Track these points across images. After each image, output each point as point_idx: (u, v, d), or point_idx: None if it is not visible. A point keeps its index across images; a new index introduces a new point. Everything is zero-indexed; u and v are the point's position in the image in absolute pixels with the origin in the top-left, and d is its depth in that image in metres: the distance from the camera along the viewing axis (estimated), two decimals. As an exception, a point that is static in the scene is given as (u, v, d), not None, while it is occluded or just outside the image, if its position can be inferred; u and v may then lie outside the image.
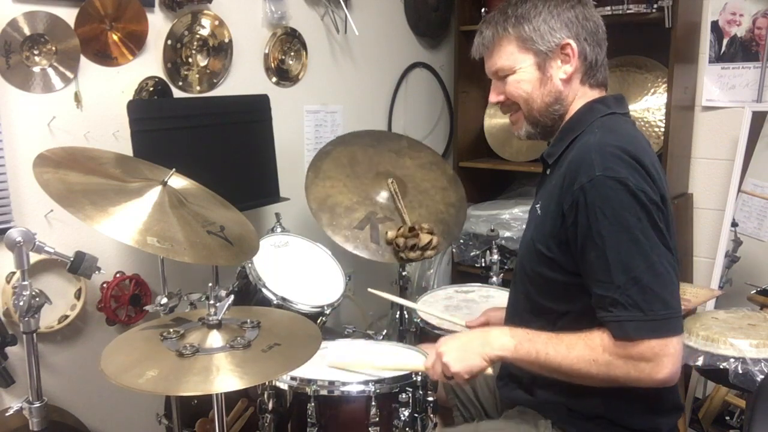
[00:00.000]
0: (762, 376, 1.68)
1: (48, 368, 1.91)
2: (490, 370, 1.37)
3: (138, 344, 1.31)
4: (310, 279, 2.07)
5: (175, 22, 2.07)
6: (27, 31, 1.76)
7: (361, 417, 1.43)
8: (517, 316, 1.46)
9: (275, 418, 1.48)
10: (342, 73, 2.69)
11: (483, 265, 2.39)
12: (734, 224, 2.52)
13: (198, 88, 2.18)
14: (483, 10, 2.85)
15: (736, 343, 1.75)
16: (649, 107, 2.69)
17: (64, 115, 1.88)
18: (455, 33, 2.97)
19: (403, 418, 1.44)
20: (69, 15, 1.83)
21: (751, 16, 2.53)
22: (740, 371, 1.72)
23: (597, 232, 1.21)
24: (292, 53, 2.46)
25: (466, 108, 3.03)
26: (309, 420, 1.42)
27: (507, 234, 2.74)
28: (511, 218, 2.78)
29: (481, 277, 2.36)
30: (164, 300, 1.79)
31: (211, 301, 1.32)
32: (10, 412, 1.79)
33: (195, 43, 2.13)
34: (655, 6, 2.39)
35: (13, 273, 1.77)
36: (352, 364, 1.56)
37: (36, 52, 1.79)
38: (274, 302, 1.87)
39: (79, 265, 1.56)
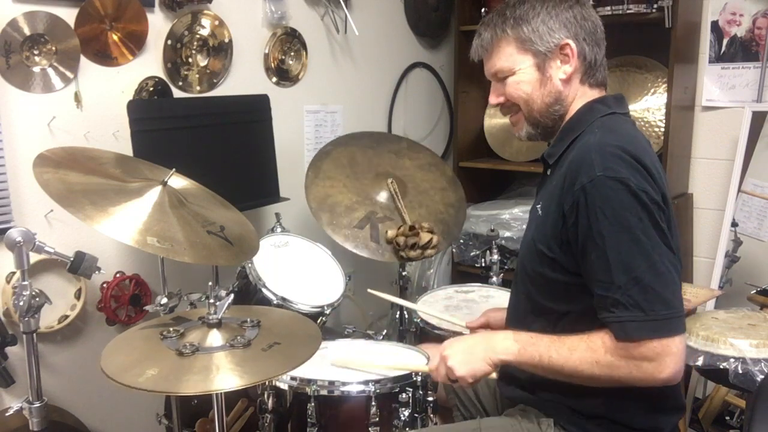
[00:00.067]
0: (762, 376, 1.68)
1: (48, 368, 1.91)
2: (494, 375, 1.37)
3: (138, 344, 1.31)
4: (310, 279, 2.07)
5: (175, 22, 2.07)
6: (27, 31, 1.76)
7: (361, 417, 1.43)
8: (518, 316, 1.46)
9: (275, 418, 1.48)
10: (342, 73, 2.69)
11: (483, 265, 2.39)
12: (734, 224, 2.52)
13: (198, 88, 2.18)
14: (483, 10, 2.85)
15: (736, 343, 1.75)
16: (649, 107, 2.69)
17: (64, 115, 1.88)
18: (455, 33, 2.97)
19: (403, 418, 1.44)
20: (69, 15, 1.83)
21: (751, 16, 2.53)
22: (740, 371, 1.72)
23: (598, 232, 1.21)
24: (292, 53, 2.46)
25: (466, 108, 3.03)
26: (309, 420, 1.42)
27: (507, 234, 2.74)
28: (511, 218, 2.78)
29: (481, 277, 2.36)
30: (164, 300, 1.79)
31: (211, 301, 1.32)
32: (10, 412, 1.79)
33: (195, 43, 2.13)
34: (655, 6, 2.39)
35: (13, 273, 1.77)
36: (354, 362, 1.56)
37: (36, 52, 1.79)
38: (274, 302, 1.87)
39: (79, 265, 1.56)
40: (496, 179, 3.15)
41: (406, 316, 2.14)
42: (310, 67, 2.53)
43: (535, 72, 1.38)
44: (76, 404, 1.98)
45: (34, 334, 1.48)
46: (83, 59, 1.89)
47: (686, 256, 2.68)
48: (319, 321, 1.92)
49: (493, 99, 1.46)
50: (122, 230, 1.38)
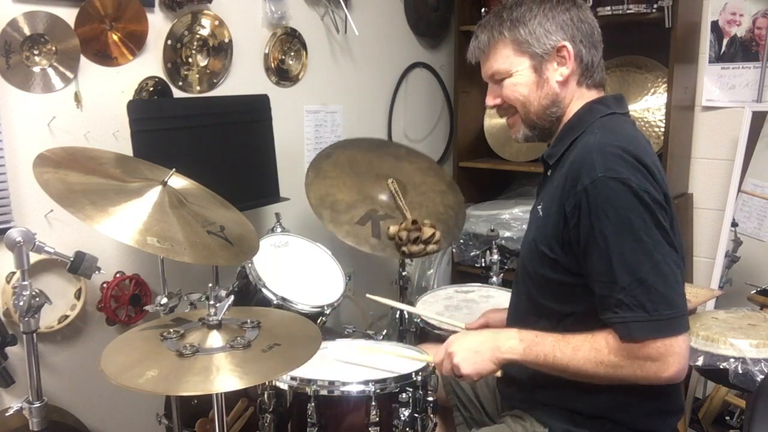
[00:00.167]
0: (762, 376, 1.68)
1: (48, 368, 1.91)
2: (498, 373, 1.38)
3: (138, 344, 1.31)
4: (310, 279, 2.07)
5: (175, 22, 2.07)
6: (27, 31, 1.76)
7: (361, 417, 1.43)
8: (519, 317, 1.46)
9: (275, 418, 1.48)
10: (342, 73, 2.69)
11: (483, 265, 2.39)
12: (734, 224, 2.52)
13: (198, 88, 2.18)
14: (483, 10, 2.85)
15: (736, 343, 1.75)
16: (649, 107, 2.69)
17: (64, 115, 1.88)
18: (455, 33, 2.97)
19: (403, 418, 1.44)
20: (69, 15, 1.83)
21: (751, 16, 2.53)
22: (740, 371, 1.72)
23: (600, 233, 1.21)
24: (292, 53, 2.46)
25: (466, 108, 3.04)
26: (309, 420, 1.42)
27: (507, 234, 2.74)
28: (511, 218, 2.78)
29: (481, 277, 2.36)
30: (164, 300, 1.79)
31: (211, 301, 1.32)
32: (10, 412, 1.79)
33: (195, 43, 2.13)
34: (655, 6, 2.39)
35: (13, 273, 1.77)
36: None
37: (36, 52, 1.79)
38: (274, 302, 1.87)
39: (79, 265, 1.56)
40: (496, 179, 3.15)
41: (406, 316, 2.14)
42: (310, 67, 2.53)
43: (532, 74, 1.38)
44: (76, 404, 1.98)
45: (34, 334, 1.48)
46: (83, 59, 1.89)
47: (686, 256, 2.65)
48: (319, 321, 1.92)
49: (489, 101, 1.46)
50: (122, 230, 1.38)
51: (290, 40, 2.44)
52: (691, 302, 2.08)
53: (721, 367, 1.74)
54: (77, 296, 1.93)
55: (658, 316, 1.18)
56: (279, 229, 2.16)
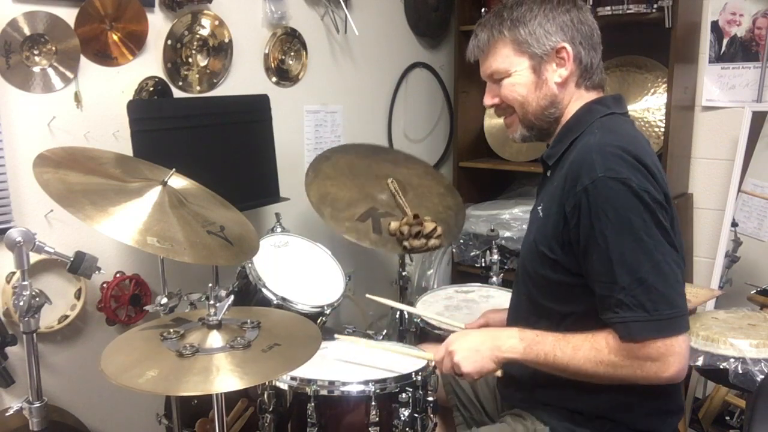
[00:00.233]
0: (762, 376, 1.68)
1: (48, 368, 1.91)
2: (499, 372, 1.38)
3: (138, 344, 1.31)
4: (310, 279, 2.07)
5: (175, 22, 2.07)
6: (27, 31, 1.76)
7: (361, 417, 1.43)
8: (519, 318, 1.46)
9: (275, 418, 1.48)
10: (342, 73, 2.69)
11: (483, 265, 2.39)
12: (734, 224, 2.52)
13: (198, 88, 2.18)
14: (483, 10, 2.85)
15: (736, 343, 1.75)
16: (649, 107, 2.69)
17: (64, 115, 1.88)
18: (455, 33, 2.97)
19: (403, 418, 1.44)
20: (69, 15, 1.83)
21: (751, 16, 2.53)
22: (740, 371, 1.72)
23: (600, 233, 1.21)
24: (292, 53, 2.46)
25: (466, 108, 3.04)
26: (309, 420, 1.42)
27: (507, 234, 2.74)
28: (511, 218, 2.79)
29: (481, 277, 2.36)
30: (164, 300, 1.79)
31: (211, 301, 1.32)
32: (10, 412, 1.79)
33: (195, 43, 2.13)
34: (655, 6, 2.39)
35: (13, 273, 1.77)
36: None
37: (36, 52, 1.79)
38: (274, 302, 1.87)
39: (79, 265, 1.56)
40: (496, 179, 3.15)
41: (406, 316, 2.14)
42: (310, 67, 2.53)
43: (530, 74, 1.38)
44: (76, 404, 1.98)
45: (34, 334, 1.48)
46: (83, 59, 1.89)
47: (686, 256, 2.66)
48: (319, 321, 1.92)
49: (487, 100, 1.46)
50: (122, 230, 1.38)
51: (290, 40, 2.44)
52: (691, 302, 2.08)
53: (721, 367, 1.74)
54: (77, 296, 1.93)
55: (659, 315, 1.18)
56: (279, 229, 2.16)
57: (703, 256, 2.70)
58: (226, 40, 2.22)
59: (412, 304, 2.15)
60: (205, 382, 1.16)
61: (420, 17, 2.96)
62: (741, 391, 2.03)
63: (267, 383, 1.46)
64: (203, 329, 1.32)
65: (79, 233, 1.91)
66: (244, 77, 2.31)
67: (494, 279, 2.26)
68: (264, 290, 1.88)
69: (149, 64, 2.05)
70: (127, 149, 1.85)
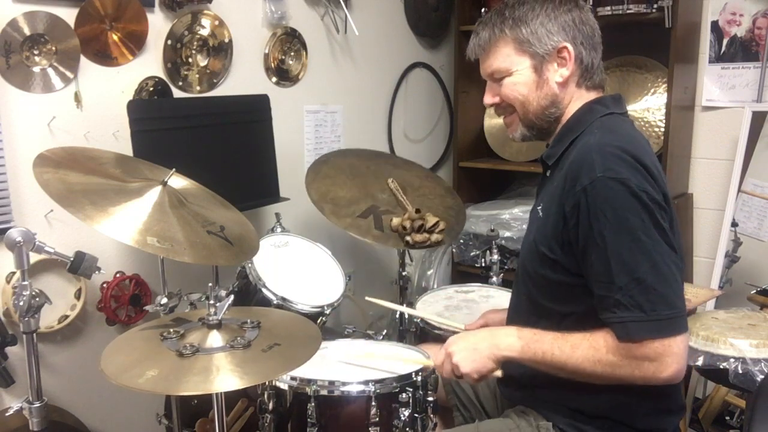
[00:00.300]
0: (762, 376, 1.68)
1: (48, 368, 1.91)
2: (498, 372, 1.37)
3: (138, 344, 1.31)
4: (310, 279, 2.07)
5: (175, 22, 2.07)
6: (27, 31, 1.76)
7: (361, 417, 1.43)
8: (519, 318, 1.46)
9: (275, 418, 1.48)
10: (342, 73, 2.69)
11: (483, 265, 2.39)
12: (734, 224, 2.52)
13: (198, 88, 2.18)
14: (483, 10, 2.85)
15: (736, 343, 1.75)
16: (649, 107, 2.69)
17: (64, 115, 1.88)
18: (455, 33, 2.97)
19: (403, 418, 1.44)
20: (69, 15, 1.83)
21: (751, 16, 2.53)
22: (740, 371, 1.72)
23: (599, 233, 1.21)
24: (292, 53, 2.46)
25: (466, 108, 3.03)
26: (309, 420, 1.42)
27: (507, 234, 2.74)
28: (511, 218, 2.79)
29: (481, 277, 2.36)
30: (164, 300, 1.79)
31: (211, 301, 1.32)
32: (10, 412, 1.79)
33: (195, 43, 2.13)
34: (655, 6, 2.39)
35: (13, 273, 1.77)
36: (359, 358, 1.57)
37: (36, 52, 1.79)
38: (274, 302, 1.87)
39: (79, 265, 1.56)
40: (496, 179, 3.15)
41: (406, 316, 2.14)
42: (310, 67, 2.53)
43: (532, 74, 1.38)
44: (76, 404, 1.98)
45: (34, 334, 1.48)
46: (83, 59, 1.89)
47: (686, 256, 2.68)
48: (319, 321, 1.92)
49: (488, 99, 1.46)
50: (122, 230, 1.38)
51: (290, 40, 2.44)
52: (691, 302, 2.08)
53: (721, 367, 1.74)
54: (77, 296, 1.93)
55: (656, 316, 1.18)
56: (279, 229, 2.16)
57: (703, 256, 2.70)
58: (226, 40, 2.22)
59: (412, 304, 2.14)
60: (205, 382, 1.16)
61: (420, 17, 2.96)
62: (741, 391, 2.03)
63: (267, 383, 1.46)
64: (203, 329, 1.32)
65: (79, 233, 1.91)
66: (244, 77, 2.31)
67: (494, 279, 2.26)
68: (264, 290, 1.88)
69: (149, 64, 2.05)
70: (127, 149, 1.85)
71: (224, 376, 1.17)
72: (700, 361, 1.77)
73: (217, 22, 2.17)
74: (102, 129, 1.96)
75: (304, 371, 1.38)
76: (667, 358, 1.18)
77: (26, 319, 1.45)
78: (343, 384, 1.44)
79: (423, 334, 1.94)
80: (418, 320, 1.95)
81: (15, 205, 1.80)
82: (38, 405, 1.50)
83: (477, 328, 1.68)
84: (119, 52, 1.97)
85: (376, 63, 2.82)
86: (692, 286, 2.30)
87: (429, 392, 1.47)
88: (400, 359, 1.58)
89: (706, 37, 2.61)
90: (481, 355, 1.35)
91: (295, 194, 2.28)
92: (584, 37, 1.37)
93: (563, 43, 1.35)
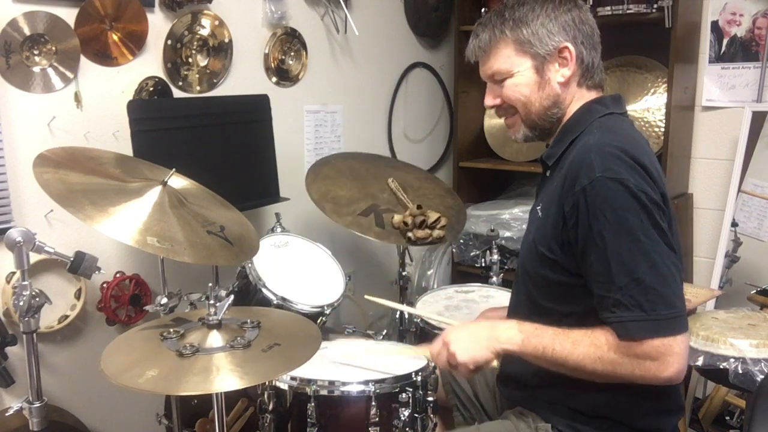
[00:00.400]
0: (762, 376, 1.68)
1: (48, 368, 1.91)
2: (495, 363, 1.36)
3: (138, 344, 1.31)
4: (310, 279, 2.07)
5: (175, 22, 2.07)
6: (27, 31, 1.76)
7: (361, 417, 1.43)
8: (519, 317, 1.44)
9: (275, 418, 1.48)
10: (342, 73, 2.69)
11: (483, 265, 2.39)
12: (734, 224, 2.52)
13: (198, 88, 2.18)
14: (483, 10, 2.85)
15: (736, 343, 1.75)
16: (649, 107, 2.69)
17: (64, 115, 1.88)
18: (455, 33, 2.97)
19: (403, 418, 1.44)
20: (69, 15, 1.83)
21: (751, 16, 2.53)
22: (740, 371, 1.72)
23: (598, 233, 1.21)
24: (292, 53, 2.46)
25: (466, 108, 3.04)
26: (309, 420, 1.42)
27: (507, 234, 2.74)
28: (511, 218, 2.79)
29: (481, 277, 2.36)
30: (164, 300, 1.79)
31: (211, 301, 1.32)
32: (10, 412, 1.79)
33: (195, 43, 2.13)
34: (655, 6, 2.39)
35: (13, 273, 1.77)
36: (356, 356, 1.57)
37: (36, 52, 1.79)
38: (274, 302, 1.87)
39: (79, 265, 1.56)
40: (496, 179, 3.15)
41: (406, 316, 2.14)
42: (310, 67, 2.53)
43: (533, 75, 1.37)
44: (76, 404, 1.98)
45: (34, 334, 1.48)
46: (83, 59, 1.89)
47: (686, 256, 2.68)
48: (319, 321, 1.92)
49: (489, 101, 1.46)
50: (122, 230, 1.38)
51: (290, 40, 2.44)
52: (691, 302, 2.08)
53: (721, 367, 1.74)
54: (77, 296, 1.93)
55: (656, 315, 1.18)
56: (279, 229, 2.16)
57: (703, 256, 2.70)
58: (226, 40, 2.22)
59: (412, 304, 2.15)
60: (205, 382, 1.16)
61: (420, 17, 2.96)
62: (741, 391, 2.03)
63: (267, 383, 1.46)
64: (203, 329, 1.32)
65: (79, 233, 1.91)
66: (244, 77, 2.31)
67: (494, 279, 2.26)
68: (264, 290, 1.88)
69: (149, 64, 2.05)
70: (127, 149, 1.85)
71: (224, 376, 1.17)
72: (700, 361, 1.78)
73: (217, 22, 2.17)
74: (102, 129, 1.96)
75: (304, 371, 1.38)
76: (668, 357, 1.18)
77: (26, 319, 1.45)
78: (343, 384, 1.44)
79: (423, 334, 1.94)
80: (418, 320, 1.95)
81: (15, 205, 1.80)
82: (38, 405, 1.50)
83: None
84: (119, 52, 1.97)
85: (376, 63, 2.82)
86: (692, 286, 2.30)
87: (429, 392, 1.47)
88: (397, 353, 1.57)
89: (706, 37, 2.61)
90: (480, 346, 1.33)
91: (295, 194, 2.28)
92: (584, 36, 1.37)
93: (564, 43, 1.35)
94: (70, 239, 1.89)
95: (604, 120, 1.36)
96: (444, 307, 2.07)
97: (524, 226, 1.55)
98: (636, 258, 1.19)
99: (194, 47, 2.14)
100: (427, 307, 2.06)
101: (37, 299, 1.45)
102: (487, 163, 3.02)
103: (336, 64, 2.66)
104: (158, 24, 2.04)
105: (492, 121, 3.09)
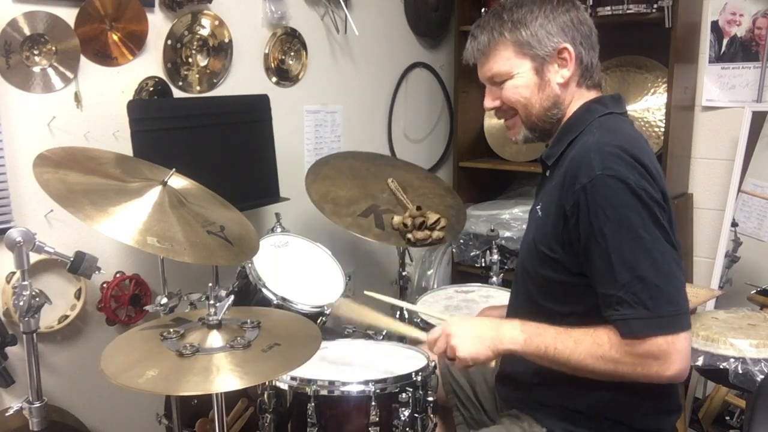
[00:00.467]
0: (762, 376, 1.68)
1: (48, 368, 1.91)
2: (492, 363, 1.37)
3: (138, 344, 1.31)
4: (310, 279, 2.07)
5: (175, 22, 2.07)
6: (27, 31, 1.76)
7: (361, 417, 1.43)
8: (518, 317, 1.45)
9: (275, 418, 1.48)
10: (342, 73, 2.69)
11: (483, 265, 2.39)
12: (734, 224, 2.52)
13: (198, 88, 2.18)
14: (483, 10, 2.85)
15: (736, 343, 1.75)
16: (649, 107, 2.69)
17: (64, 115, 1.88)
18: (455, 33, 2.97)
19: (403, 418, 1.44)
20: (69, 15, 1.83)
21: (751, 16, 2.53)
22: (740, 371, 1.72)
23: (599, 231, 1.21)
24: (292, 53, 2.46)
25: (466, 108, 3.03)
26: (309, 420, 1.42)
27: (507, 234, 2.74)
28: (511, 218, 2.79)
29: (481, 277, 2.36)
30: (164, 300, 1.79)
31: (211, 301, 1.32)
32: (10, 412, 1.79)
33: (195, 43, 2.13)
34: (655, 6, 2.39)
35: (13, 273, 1.77)
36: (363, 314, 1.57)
37: (36, 52, 1.79)
38: (274, 302, 1.87)
39: (79, 265, 1.56)
40: (496, 179, 3.15)
41: (407, 316, 2.14)
42: (310, 67, 2.53)
43: (533, 76, 1.37)
44: (76, 404, 1.98)
45: (34, 334, 1.48)
46: (83, 59, 1.89)
47: (686, 256, 2.68)
48: (319, 321, 1.92)
49: (488, 103, 1.45)
50: (122, 230, 1.38)
51: (290, 40, 2.44)
52: (691, 302, 2.07)
53: (721, 367, 1.75)
54: (77, 296, 1.93)
55: (659, 313, 1.17)
56: (279, 229, 2.16)
57: (703, 256, 2.70)
58: (226, 40, 2.22)
59: (411, 303, 2.14)
60: (205, 382, 1.16)
61: (420, 17, 2.96)
62: (741, 391, 2.03)
63: (267, 383, 1.46)
64: (203, 329, 1.32)
65: (79, 233, 1.91)
66: (244, 77, 2.31)
67: (494, 279, 2.26)
68: (264, 290, 1.88)
69: (149, 64, 2.05)
70: (127, 149, 1.85)
71: (224, 376, 1.17)
72: (700, 361, 1.78)
73: (217, 22, 2.17)
74: (102, 129, 1.96)
75: (304, 371, 1.38)
76: (671, 355, 1.17)
77: (26, 319, 1.45)
78: (343, 384, 1.44)
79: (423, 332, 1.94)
80: (419, 320, 1.95)
81: (15, 205, 1.80)
82: (38, 405, 1.50)
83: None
84: (119, 52, 1.97)
85: (376, 63, 2.82)
86: (692, 286, 2.30)
87: (429, 392, 1.47)
88: (395, 328, 1.57)
89: (706, 37, 2.61)
90: (483, 344, 1.33)
91: (295, 194, 2.28)
92: (583, 36, 1.37)
93: (563, 43, 1.35)
94: (70, 239, 1.89)
95: (603, 120, 1.36)
96: (444, 307, 2.07)
97: (524, 226, 1.55)
98: (637, 255, 1.19)
99: (194, 47, 2.14)
100: (427, 307, 2.06)
101: (37, 299, 1.45)
102: (487, 163, 3.02)
103: (336, 64, 2.66)
104: (158, 24, 2.04)
105: (492, 121, 3.09)
